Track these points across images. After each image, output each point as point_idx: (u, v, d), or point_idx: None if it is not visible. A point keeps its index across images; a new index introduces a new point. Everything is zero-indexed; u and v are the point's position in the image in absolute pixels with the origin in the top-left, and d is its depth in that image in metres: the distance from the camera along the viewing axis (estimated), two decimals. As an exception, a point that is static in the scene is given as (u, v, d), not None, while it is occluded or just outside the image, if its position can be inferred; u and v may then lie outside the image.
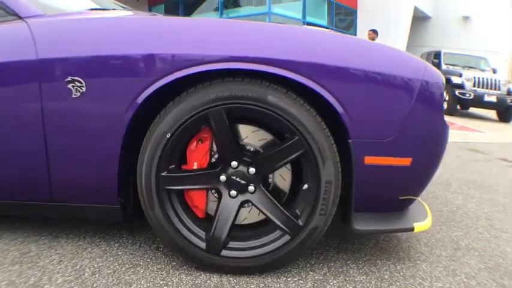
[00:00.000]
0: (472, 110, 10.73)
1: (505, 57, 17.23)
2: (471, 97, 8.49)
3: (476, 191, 2.82)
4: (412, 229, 1.45)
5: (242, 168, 1.35)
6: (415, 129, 1.34)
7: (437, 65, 10.37)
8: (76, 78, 1.28)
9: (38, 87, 1.30)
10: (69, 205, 1.47)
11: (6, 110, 1.34)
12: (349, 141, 1.30)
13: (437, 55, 10.57)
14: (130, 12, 1.71)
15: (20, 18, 1.43)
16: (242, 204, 1.38)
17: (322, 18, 15.56)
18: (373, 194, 1.39)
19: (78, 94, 1.28)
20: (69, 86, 1.28)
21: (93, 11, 1.67)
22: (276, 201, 1.35)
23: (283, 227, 1.34)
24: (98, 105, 1.29)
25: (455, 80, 8.76)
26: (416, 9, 16.35)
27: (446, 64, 10.01)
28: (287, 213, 1.34)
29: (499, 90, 8.58)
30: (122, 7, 2.21)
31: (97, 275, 1.36)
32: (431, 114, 1.37)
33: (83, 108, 1.30)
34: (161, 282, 1.32)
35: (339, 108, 1.26)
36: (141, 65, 1.25)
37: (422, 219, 1.52)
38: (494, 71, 9.94)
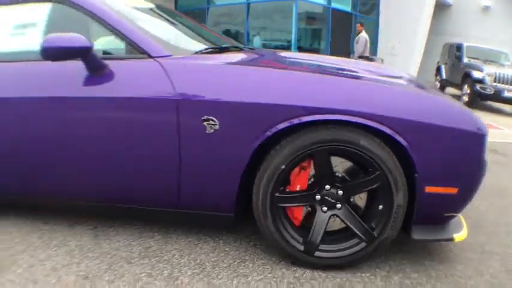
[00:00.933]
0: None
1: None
2: (491, 92, 8.78)
3: (497, 198, 3.23)
4: (452, 239, 1.90)
5: (333, 190, 1.80)
6: (463, 168, 1.78)
7: (459, 58, 10.59)
8: (211, 117, 1.70)
9: (176, 120, 1.73)
10: (190, 212, 1.93)
11: (147, 135, 1.77)
12: (416, 175, 1.74)
13: (459, 48, 10.78)
14: (242, 55, 2.12)
15: (151, 57, 1.81)
16: (330, 217, 1.83)
17: (347, 3, 15.66)
18: (427, 212, 1.84)
19: (212, 131, 1.70)
20: (204, 123, 1.70)
21: (212, 53, 2.08)
22: (357, 216, 1.81)
23: (362, 236, 1.80)
24: (227, 140, 1.72)
25: (477, 74, 9.04)
26: (438, -4, 16.35)
27: (468, 57, 10.24)
28: (365, 226, 1.80)
29: (518, 85, 8.86)
30: (235, 46, 2.57)
31: (217, 268, 1.82)
32: (477, 156, 1.79)
33: (214, 142, 1.73)
34: (269, 275, 1.79)
35: (411, 153, 1.69)
36: (267, 111, 1.67)
37: (459, 231, 1.96)
38: (516, 67, 10.16)
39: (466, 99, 9.42)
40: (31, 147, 1.94)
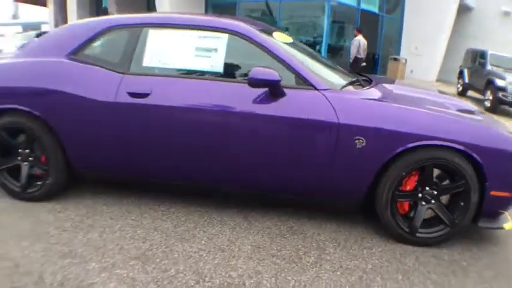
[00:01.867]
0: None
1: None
2: (513, 100, 9.61)
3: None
4: (502, 228, 2.81)
5: (430, 191, 2.71)
6: (505, 173, 2.61)
7: (483, 65, 11.36)
8: (360, 138, 2.57)
9: (336, 137, 2.55)
10: (331, 199, 2.84)
11: (310, 144, 2.60)
12: (486, 183, 2.65)
13: (483, 55, 11.54)
14: (375, 90, 2.94)
15: (316, 89, 2.64)
16: (427, 209, 2.75)
17: (374, 4, 16.38)
18: (489, 209, 2.75)
19: (360, 146, 2.59)
20: (356, 141, 2.58)
21: (351, 85, 2.95)
22: (447, 209, 2.73)
23: (447, 223, 2.69)
24: (370, 153, 2.58)
25: (499, 82, 9.83)
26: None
27: (491, 65, 11.02)
28: (451, 216, 2.71)
29: (539, 92, 9.65)
30: (364, 79, 3.38)
31: (348, 242, 2.69)
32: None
33: (361, 154, 2.56)
34: (385, 248, 2.69)
35: (485, 169, 2.60)
36: (399, 136, 2.51)
37: (506, 222, 2.86)
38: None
39: (488, 104, 10.22)
40: (217, 146, 2.71)
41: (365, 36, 12.25)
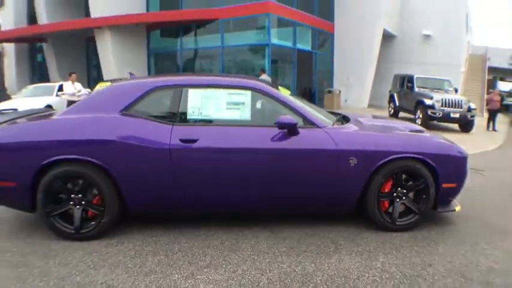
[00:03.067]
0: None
1: (461, 69, 20.48)
2: (440, 115, 11.27)
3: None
4: (454, 210, 3.88)
5: (401, 190, 3.71)
6: (458, 174, 3.76)
7: (411, 88, 13.11)
8: (353, 158, 3.49)
9: (337, 159, 3.48)
10: (331, 207, 3.78)
11: (321, 167, 3.51)
12: (439, 179, 3.70)
13: (410, 79, 13.36)
14: (355, 124, 3.97)
15: (318, 127, 3.58)
16: (400, 204, 3.75)
17: (308, 43, 18.13)
18: (443, 197, 3.79)
19: (353, 164, 3.50)
20: (350, 161, 3.51)
21: (338, 122, 3.92)
22: (414, 202, 3.74)
23: (416, 211, 3.70)
24: (360, 169, 3.50)
25: (428, 101, 11.53)
26: (384, 30, 19.20)
27: (418, 87, 12.79)
28: (418, 206, 3.73)
29: (461, 108, 11.43)
30: (343, 117, 4.36)
31: (346, 241, 3.65)
32: (464, 167, 3.78)
33: (354, 169, 3.49)
34: (375, 236, 3.65)
35: (438, 169, 3.65)
36: (380, 154, 3.47)
37: (456, 206, 3.93)
38: (456, 91, 12.83)
39: (419, 122, 11.82)
40: (256, 176, 3.51)
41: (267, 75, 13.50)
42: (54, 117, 3.68)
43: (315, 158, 3.54)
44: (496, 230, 3.86)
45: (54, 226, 3.44)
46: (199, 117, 3.61)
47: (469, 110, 11.48)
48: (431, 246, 3.43)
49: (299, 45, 17.21)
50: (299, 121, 3.56)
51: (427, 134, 4.18)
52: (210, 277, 2.84)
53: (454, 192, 3.85)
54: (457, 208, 3.90)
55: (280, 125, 3.43)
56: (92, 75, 22.69)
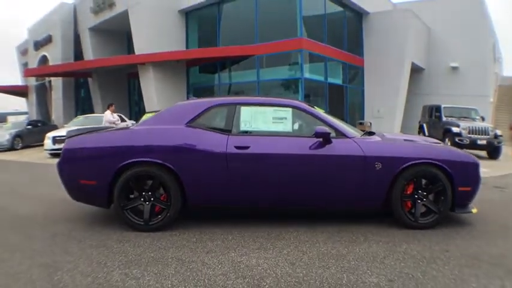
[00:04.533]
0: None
1: (489, 99, 20.70)
2: (467, 142, 11.64)
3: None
4: (471, 212, 4.39)
5: (422, 192, 4.28)
6: (472, 178, 4.30)
7: (439, 118, 13.56)
8: (378, 163, 4.10)
9: (364, 164, 4.11)
10: (358, 206, 4.41)
11: (351, 171, 4.16)
12: (454, 183, 4.27)
13: (438, 109, 13.82)
14: (380, 136, 4.65)
15: (348, 137, 4.25)
16: (421, 205, 4.32)
17: (339, 77, 18.94)
18: (459, 200, 4.32)
19: (378, 168, 4.11)
20: (375, 165, 4.12)
21: (366, 135, 4.60)
22: (434, 203, 4.30)
23: (436, 211, 4.25)
24: (385, 172, 4.11)
25: (455, 129, 11.95)
26: (412, 63, 19.81)
27: (446, 116, 13.24)
28: (437, 206, 4.29)
29: (488, 135, 11.78)
30: (370, 132, 5.05)
31: (371, 235, 4.23)
32: (477, 172, 4.33)
33: (379, 173, 4.11)
34: (399, 232, 4.21)
35: (453, 174, 4.22)
36: (402, 159, 4.10)
37: (473, 208, 4.44)
38: (483, 119, 13.21)
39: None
40: (285, 178, 4.18)
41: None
42: (134, 127, 4.59)
43: (345, 163, 4.20)
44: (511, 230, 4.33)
45: (127, 219, 4.15)
46: (249, 129, 4.37)
47: (496, 136, 11.80)
48: (450, 239, 3.94)
49: (330, 79, 18.01)
50: (332, 132, 4.24)
51: (444, 145, 4.78)
52: (261, 255, 3.47)
53: (470, 195, 4.38)
54: (474, 210, 4.41)
55: (317, 134, 4.13)
56: (133, 108, 24.17)
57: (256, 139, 4.26)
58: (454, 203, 4.30)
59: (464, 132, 11.77)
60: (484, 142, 11.72)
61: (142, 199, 4.19)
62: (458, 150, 4.60)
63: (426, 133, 14.81)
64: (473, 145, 11.76)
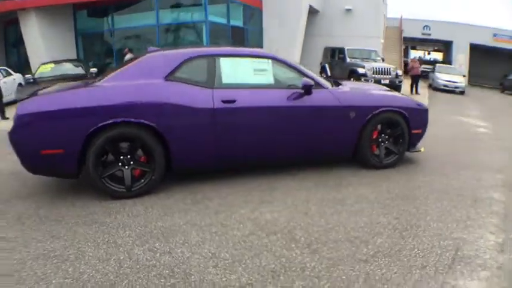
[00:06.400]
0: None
1: (381, 40, 22.53)
2: (372, 82, 12.78)
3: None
4: (420, 150, 5.08)
5: (385, 136, 4.75)
6: (422, 121, 4.95)
7: (343, 59, 14.52)
8: (352, 111, 4.43)
9: (342, 113, 4.40)
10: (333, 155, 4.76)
11: (330, 122, 4.42)
12: (410, 127, 4.83)
13: (342, 50, 14.79)
14: (347, 85, 4.92)
15: (325, 88, 4.45)
16: (384, 147, 4.81)
17: (239, 19, 18.80)
18: (412, 141, 4.93)
19: (352, 117, 4.43)
20: (350, 113, 4.43)
21: (335, 85, 4.85)
22: (394, 145, 4.83)
23: (396, 152, 4.79)
24: (358, 120, 4.47)
25: (361, 70, 13.03)
26: (309, 6, 20.44)
27: (350, 57, 14.22)
28: (397, 148, 4.82)
29: (390, 75, 13.08)
30: (335, 81, 5.31)
31: (353, 177, 4.67)
32: (427, 116, 4.98)
33: (353, 120, 4.44)
34: (364, 171, 4.71)
35: (409, 118, 4.75)
36: (369, 108, 4.51)
37: (421, 147, 5.15)
38: (383, 60, 14.50)
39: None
40: (271, 132, 4.24)
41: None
42: (99, 83, 3.94)
43: (326, 113, 4.44)
44: (454, 165, 5.14)
45: (106, 187, 3.76)
46: (232, 81, 4.20)
47: (397, 76, 13.16)
48: (414, 177, 4.58)
49: (232, 22, 17.82)
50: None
51: (396, 93, 5.31)
52: (270, 209, 3.57)
53: (420, 136, 5.05)
54: (422, 149, 5.12)
55: (305, 87, 4.24)
56: (12, 59, 21.29)
57: (241, 92, 4.14)
58: (409, 144, 4.90)
59: (369, 73, 12.89)
60: (387, 81, 13.03)
61: (120, 164, 3.81)
62: (412, 98, 5.13)
63: (329, 73, 15.78)
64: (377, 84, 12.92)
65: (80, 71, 12.14)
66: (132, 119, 3.72)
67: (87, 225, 3.25)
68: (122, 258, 2.69)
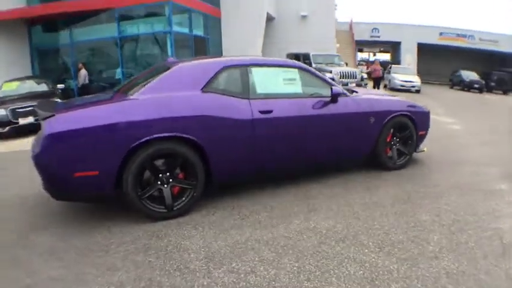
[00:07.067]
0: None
1: (336, 44, 23.43)
2: (341, 85, 13.31)
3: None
4: (423, 151, 5.57)
5: (396, 139, 5.15)
6: (425, 124, 5.43)
7: (310, 64, 15.05)
8: (372, 117, 4.79)
9: (366, 118, 4.74)
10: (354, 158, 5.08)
11: (356, 126, 4.72)
12: (417, 129, 5.28)
13: (307, 56, 15.31)
14: (362, 92, 5.25)
15: (347, 96, 4.72)
16: (396, 149, 5.23)
17: (200, 29, 18.90)
18: (418, 142, 5.40)
19: (371, 122, 4.80)
20: (370, 119, 4.77)
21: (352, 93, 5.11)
22: (404, 147, 5.24)
23: (407, 153, 5.19)
24: (376, 124, 4.83)
25: (329, 75, 13.51)
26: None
27: (315, 63, 14.78)
28: (407, 149, 5.22)
29: (356, 78, 13.75)
30: (352, 90, 5.49)
31: (361, 176, 5.04)
32: (428, 119, 5.45)
33: (372, 125, 4.80)
34: (391, 176, 5.11)
35: (416, 120, 5.18)
36: (384, 112, 4.88)
37: (424, 148, 5.64)
38: (347, 64, 15.19)
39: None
40: (304, 140, 4.38)
41: (87, 69, 15.00)
42: (134, 96, 3.68)
43: (352, 119, 4.73)
44: (449, 162, 5.70)
45: (146, 208, 3.56)
46: (265, 91, 4.22)
47: (362, 79, 13.86)
48: (428, 176, 5.04)
49: (195, 31, 17.90)
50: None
51: (400, 97, 5.78)
52: (322, 217, 3.73)
53: (423, 137, 5.52)
54: (425, 149, 5.62)
55: (334, 95, 4.48)
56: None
57: (275, 102, 4.19)
58: (416, 144, 5.33)
59: (336, 77, 13.46)
60: (354, 85, 13.72)
61: (159, 182, 3.62)
62: (417, 102, 5.61)
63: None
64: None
65: (44, 87, 11.68)
66: (173, 134, 3.56)
67: (142, 252, 3.06)
68: (205, 284, 2.61)
